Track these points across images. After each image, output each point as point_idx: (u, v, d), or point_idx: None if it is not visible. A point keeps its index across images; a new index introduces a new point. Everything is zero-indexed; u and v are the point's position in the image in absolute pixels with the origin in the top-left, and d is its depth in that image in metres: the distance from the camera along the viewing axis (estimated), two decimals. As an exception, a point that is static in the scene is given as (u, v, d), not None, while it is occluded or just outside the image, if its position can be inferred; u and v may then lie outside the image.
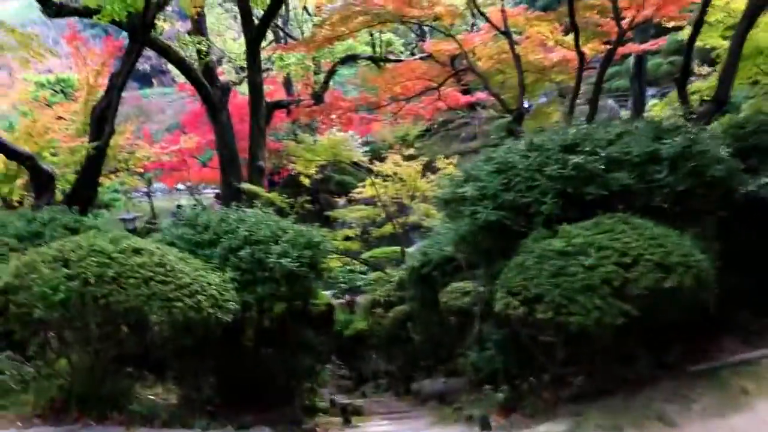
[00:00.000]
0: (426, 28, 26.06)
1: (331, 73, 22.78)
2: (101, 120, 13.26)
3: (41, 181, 12.47)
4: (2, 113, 21.80)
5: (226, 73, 23.88)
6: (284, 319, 8.35)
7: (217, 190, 25.02)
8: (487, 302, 7.43)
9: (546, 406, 6.60)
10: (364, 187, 21.23)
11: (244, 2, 16.30)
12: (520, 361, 7.26)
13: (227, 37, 27.49)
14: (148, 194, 30.41)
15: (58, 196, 12.99)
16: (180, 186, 31.12)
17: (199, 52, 17.57)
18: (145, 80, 45.69)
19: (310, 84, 23.73)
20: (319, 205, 24.98)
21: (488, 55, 17.89)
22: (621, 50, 15.29)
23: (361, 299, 17.68)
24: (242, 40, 19.02)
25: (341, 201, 25.95)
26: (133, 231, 17.23)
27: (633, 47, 17.82)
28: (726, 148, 7.06)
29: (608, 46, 14.09)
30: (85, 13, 13.34)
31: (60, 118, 17.72)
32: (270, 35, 23.21)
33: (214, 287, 6.58)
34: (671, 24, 15.65)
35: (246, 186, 15.81)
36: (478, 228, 6.91)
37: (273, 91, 24.47)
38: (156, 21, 14.36)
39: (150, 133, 26.06)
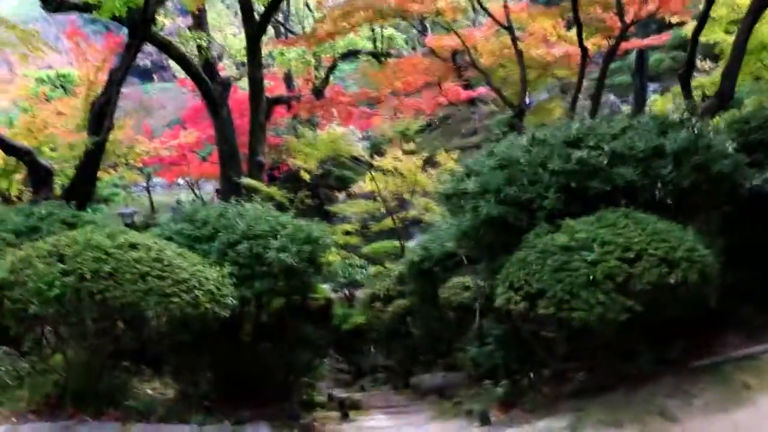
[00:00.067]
0: (428, 24, 25.97)
1: (332, 68, 22.71)
2: (100, 115, 13.20)
3: (39, 176, 12.42)
4: (2, 109, 21.71)
5: (226, 68, 23.80)
6: (282, 313, 8.31)
7: (216, 185, 24.92)
8: (488, 297, 7.39)
9: (546, 402, 6.57)
10: (364, 181, 21.14)
11: (245, -3, 16.23)
12: (521, 356, 7.23)
13: (228, 33, 27.36)
14: (148, 189, 30.34)
15: (57, 191, 12.92)
16: (180, 181, 31.00)
17: (199, 47, 17.49)
18: (145, 76, 45.49)
19: (310, 79, 23.62)
20: (319, 199, 24.91)
21: (490, 51, 17.78)
22: (623, 46, 15.21)
23: (360, 293, 17.63)
24: (243, 35, 18.88)
25: (341, 196, 25.87)
26: (132, 226, 17.14)
27: (635, 42, 17.74)
28: (731, 143, 6.99)
29: (611, 42, 14.00)
30: (85, 8, 13.26)
31: (60, 113, 17.64)
32: (271, 30, 23.15)
33: (212, 282, 6.51)
34: (674, 19, 15.55)
35: (246, 181, 15.74)
36: (480, 223, 6.85)
37: (273, 87, 24.32)
38: (156, 16, 14.30)
39: (150, 129, 25.98)
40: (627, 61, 24.22)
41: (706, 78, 15.10)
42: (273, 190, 16.04)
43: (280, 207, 11.81)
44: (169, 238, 7.47)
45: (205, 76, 17.25)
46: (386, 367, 15.33)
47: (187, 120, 27.07)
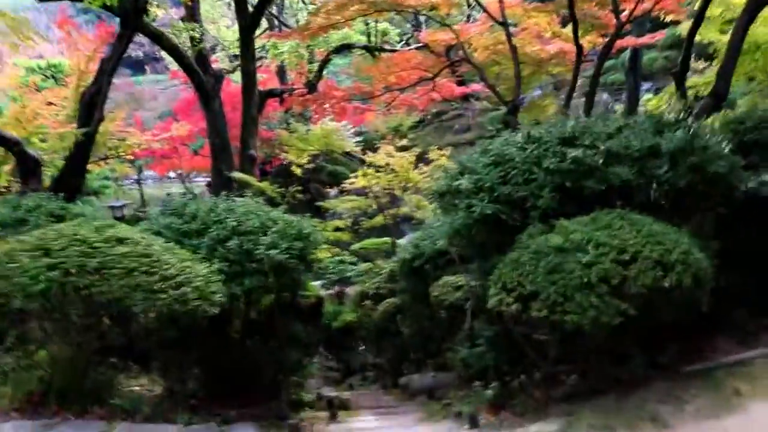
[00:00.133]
0: (422, 18, 25.86)
1: (325, 62, 22.55)
2: (91, 106, 13.03)
3: (28, 167, 12.25)
4: (-8, 98, 21.51)
5: (219, 60, 23.64)
6: (272, 311, 8.23)
7: (208, 179, 24.79)
8: (480, 298, 7.31)
9: (537, 405, 6.51)
10: (356, 177, 21.06)
11: (238, -11, 16.09)
12: (512, 358, 7.17)
13: (221, 25, 27.15)
14: (139, 182, 30.19)
15: (46, 183, 12.78)
16: (171, 174, 30.88)
17: (192, 39, 17.33)
18: (137, 67, 45.29)
19: (303, 73, 23.46)
20: (311, 195, 24.82)
21: (484, 46, 17.70)
22: (618, 43, 15.13)
23: (350, 290, 17.55)
24: (236, 27, 18.76)
25: (333, 191, 25.80)
26: (121, 219, 17.04)
27: (630, 40, 17.71)
28: (727, 143, 6.94)
29: (606, 39, 13.94)
30: (76, -3, 13.13)
31: (50, 103, 17.43)
32: (264, 23, 22.98)
33: (201, 278, 6.42)
34: (669, 18, 15.50)
35: (237, 175, 15.61)
36: (473, 221, 6.76)
37: (266, 80, 24.23)
38: (148, 7, 14.12)
39: (142, 120, 25.82)
40: (620, 60, 24.19)
41: (701, 78, 15.02)
42: (264, 184, 15.94)
43: (272, 202, 11.73)
44: (158, 233, 7.36)
45: (198, 68, 17.08)
46: (376, 366, 15.27)
47: (179, 112, 26.94)
